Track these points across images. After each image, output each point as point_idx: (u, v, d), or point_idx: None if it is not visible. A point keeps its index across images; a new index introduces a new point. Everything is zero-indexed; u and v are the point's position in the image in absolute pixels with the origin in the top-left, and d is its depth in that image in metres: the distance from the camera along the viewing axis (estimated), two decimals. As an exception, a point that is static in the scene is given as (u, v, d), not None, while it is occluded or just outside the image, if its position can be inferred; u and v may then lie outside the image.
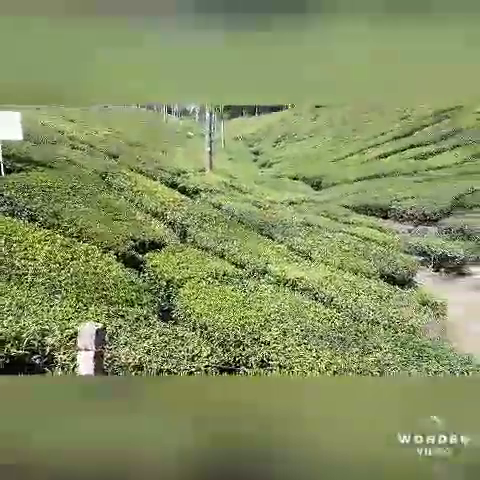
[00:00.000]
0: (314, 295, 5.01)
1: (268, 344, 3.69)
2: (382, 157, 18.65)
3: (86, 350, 1.81)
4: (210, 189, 10.64)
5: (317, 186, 18.08)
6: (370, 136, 22.08)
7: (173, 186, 10.45)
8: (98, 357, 1.86)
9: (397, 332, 4.27)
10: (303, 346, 3.68)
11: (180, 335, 3.40)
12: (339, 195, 14.27)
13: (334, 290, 5.04)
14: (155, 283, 4.90)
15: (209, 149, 14.11)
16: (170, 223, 7.17)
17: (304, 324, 4.06)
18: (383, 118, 24.48)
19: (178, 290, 4.70)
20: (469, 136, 14.99)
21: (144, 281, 4.75)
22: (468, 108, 17.70)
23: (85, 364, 1.82)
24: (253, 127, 44.46)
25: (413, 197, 12.57)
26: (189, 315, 4.10)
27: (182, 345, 3.23)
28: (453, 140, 15.54)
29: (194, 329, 3.87)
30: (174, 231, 6.87)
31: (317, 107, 41.38)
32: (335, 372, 3.28)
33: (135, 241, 5.67)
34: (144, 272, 5.10)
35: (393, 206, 12.35)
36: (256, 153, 35.07)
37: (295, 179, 20.23)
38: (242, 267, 5.76)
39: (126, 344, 3.06)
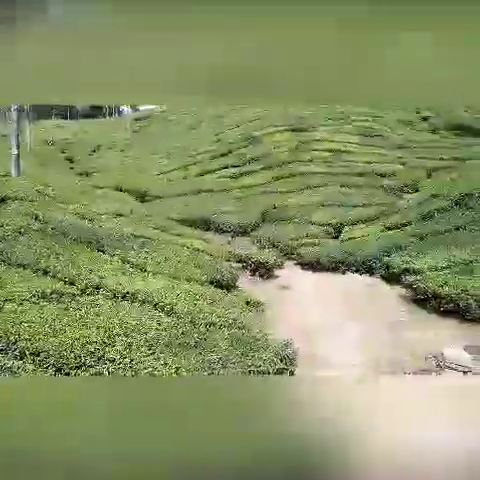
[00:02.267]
0: (154, 306, 5.07)
1: (113, 361, 3.55)
2: (202, 174, 20.20)
3: None
4: (21, 197, 9.21)
5: (142, 199, 18.04)
6: (191, 154, 23.58)
7: (-32, 192, 8.55)
8: None
9: (231, 330, 4.79)
10: (150, 357, 3.71)
11: (8, 366, 2.89)
12: (165, 208, 14.67)
13: (173, 299, 5.23)
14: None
15: (16, 152, 12.16)
16: (-29, 237, 5.88)
17: (149, 335, 4.08)
18: (203, 138, 26.60)
19: (-7, 316, 3.93)
20: (270, 161, 17.99)
21: None
22: (270, 135, 21.21)
23: None
24: (65, 132, 40.57)
25: (230, 212, 14.16)
26: (14, 343, 3.51)
27: (14, 377, 2.76)
28: (261, 163, 18.31)
29: (22, 358, 3.34)
30: (-23, 246, 5.67)
31: (137, 120, 41.36)
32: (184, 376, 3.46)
33: None
34: None
35: (214, 220, 13.59)
36: (70, 160, 32.18)
37: (117, 190, 19.63)
38: (72, 284, 5.28)
39: None
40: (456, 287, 6.62)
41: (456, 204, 11.09)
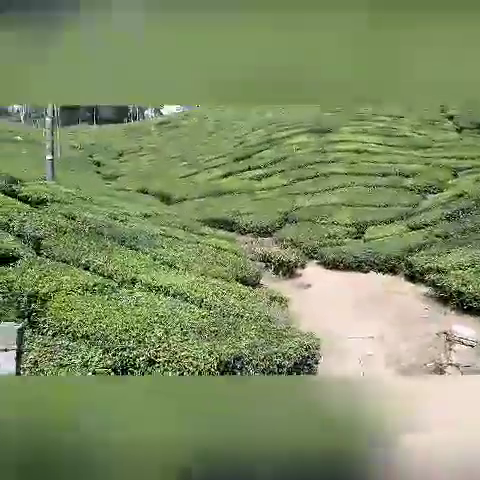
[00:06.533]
0: (185, 299, 5.44)
1: (153, 345, 3.92)
2: (224, 177, 20.61)
3: (6, 350, 1.76)
4: (57, 199, 9.83)
5: (167, 201, 18.62)
6: (211, 157, 24.05)
7: (11, 195, 9.22)
8: (19, 357, 1.82)
9: (257, 321, 5.09)
10: (185, 342, 4.06)
11: (65, 345, 3.29)
12: (190, 209, 15.15)
13: (203, 293, 5.58)
14: (15, 298, 4.43)
15: (50, 157, 12.90)
16: (18, 235, 6.43)
17: (183, 323, 4.44)
18: (222, 141, 27.08)
19: (45, 304, 4.39)
20: (291, 163, 18.21)
21: (4, 297, 4.25)
22: (289, 138, 21.43)
23: (7, 364, 1.76)
24: (92, 137, 42.05)
25: (252, 213, 14.47)
26: (67, 327, 3.94)
27: (71, 354, 3.16)
28: (280, 165, 18.56)
29: (75, 339, 3.75)
30: (25, 244, 6.20)
31: (161, 124, 42.37)
32: (217, 358, 3.79)
33: (-21, 255, 4.94)
34: (-2, 288, 4.53)
35: (237, 220, 13.93)
36: (97, 164, 33.35)
37: (143, 193, 20.32)
38: (110, 278, 5.72)
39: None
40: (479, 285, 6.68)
41: (481, 204, 11.00)
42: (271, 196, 16.08)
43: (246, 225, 13.57)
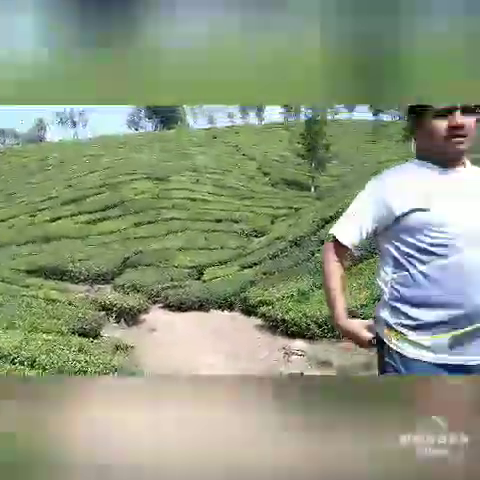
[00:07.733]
0: (12, 361, 4.61)
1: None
2: (52, 221, 18.70)
3: None
4: None
5: (-25, 249, 15.48)
6: (37, 199, 21.62)
7: None
8: None
9: (102, 374, 4.72)
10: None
11: None
12: (9, 258, 13.01)
13: (34, 351, 4.85)
14: None
15: None
16: None
17: (10, 390, 3.74)
18: (47, 183, 24.75)
19: None
20: (130, 207, 18.07)
21: None
22: (126, 183, 21.34)
23: None
24: None
25: (87, 259, 13.49)
26: None
27: None
28: (117, 210, 18.15)
29: None
30: None
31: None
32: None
33: None
34: None
35: (70, 268, 12.72)
36: None
37: None
38: None
39: None
40: (298, 312, 7.98)
41: (294, 244, 13.33)
42: (109, 241, 15.43)
43: (80, 272, 12.52)
